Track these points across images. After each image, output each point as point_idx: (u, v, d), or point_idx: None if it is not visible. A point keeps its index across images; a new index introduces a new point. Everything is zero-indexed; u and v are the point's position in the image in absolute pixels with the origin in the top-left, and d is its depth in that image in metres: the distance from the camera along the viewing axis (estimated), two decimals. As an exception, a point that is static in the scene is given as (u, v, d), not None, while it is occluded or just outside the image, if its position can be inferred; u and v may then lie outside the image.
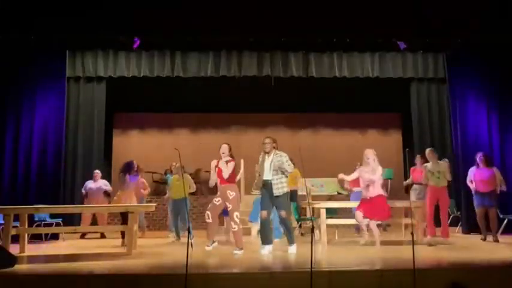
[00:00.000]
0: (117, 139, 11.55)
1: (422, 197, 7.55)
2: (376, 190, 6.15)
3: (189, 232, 4.32)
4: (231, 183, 6.18)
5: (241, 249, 6.02)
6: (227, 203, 6.10)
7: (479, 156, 7.31)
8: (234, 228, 6.06)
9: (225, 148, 6.22)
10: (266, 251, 5.90)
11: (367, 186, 6.17)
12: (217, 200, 6.17)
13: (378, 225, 9.23)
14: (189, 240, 4.26)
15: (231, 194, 6.09)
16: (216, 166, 6.24)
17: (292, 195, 7.21)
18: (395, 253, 5.89)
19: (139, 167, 7.69)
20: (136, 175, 7.48)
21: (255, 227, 8.08)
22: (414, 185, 8.00)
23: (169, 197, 8.01)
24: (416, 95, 9.82)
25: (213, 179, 6.30)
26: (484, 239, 7.13)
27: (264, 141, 6.09)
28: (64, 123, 8.84)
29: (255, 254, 5.92)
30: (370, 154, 6.08)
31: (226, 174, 6.13)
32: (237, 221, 6.06)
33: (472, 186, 7.37)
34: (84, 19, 8.22)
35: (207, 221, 6.14)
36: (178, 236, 7.69)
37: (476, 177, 7.27)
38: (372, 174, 6.07)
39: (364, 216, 6.21)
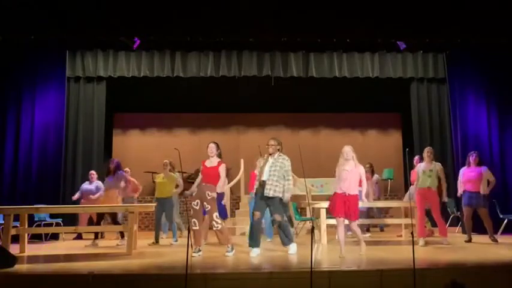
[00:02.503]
0: (117, 139, 11.55)
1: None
2: (355, 188, 5.77)
3: (188, 232, 4.32)
4: (212, 184, 6.00)
5: (232, 248, 5.91)
6: (205, 203, 5.93)
7: (473, 157, 7.25)
8: (218, 227, 5.91)
9: (212, 147, 6.09)
10: (255, 254, 5.80)
11: (346, 180, 5.73)
12: (195, 204, 5.97)
13: (375, 226, 9.30)
14: (189, 241, 4.26)
15: (210, 194, 5.93)
16: (203, 165, 6.10)
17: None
18: (395, 253, 5.89)
19: (120, 165, 7.56)
20: (111, 176, 7.33)
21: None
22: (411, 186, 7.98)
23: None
24: (416, 95, 9.82)
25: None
26: (469, 241, 7.02)
27: (268, 142, 6.03)
28: (64, 123, 8.84)
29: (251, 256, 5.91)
30: (350, 151, 5.88)
31: (222, 178, 6.06)
32: (218, 220, 5.94)
33: (460, 186, 7.34)
34: (84, 19, 8.21)
35: (194, 228, 5.89)
36: (157, 239, 7.40)
37: (464, 176, 7.25)
38: (355, 170, 5.79)
39: (339, 215, 5.74)
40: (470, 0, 8.11)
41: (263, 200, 5.91)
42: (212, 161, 6.08)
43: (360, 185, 5.84)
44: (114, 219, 7.46)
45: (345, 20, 8.44)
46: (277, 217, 5.88)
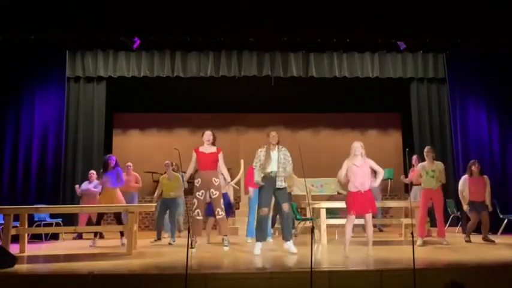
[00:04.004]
0: (117, 139, 11.55)
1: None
2: (368, 183, 5.79)
3: (189, 232, 4.32)
4: (216, 170, 6.13)
5: (228, 242, 5.98)
6: (212, 190, 5.97)
7: (475, 165, 7.21)
8: (221, 214, 5.97)
9: (209, 134, 6.14)
10: (259, 248, 5.86)
11: (358, 176, 5.75)
12: (200, 194, 6.01)
13: (374, 226, 9.26)
14: (189, 241, 4.26)
15: (216, 180, 6.03)
16: (198, 152, 6.11)
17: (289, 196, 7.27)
18: (395, 253, 5.89)
19: (117, 162, 7.56)
20: (110, 171, 7.29)
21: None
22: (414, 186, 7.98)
23: (158, 196, 7.95)
24: (416, 95, 9.82)
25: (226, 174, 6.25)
26: (469, 241, 7.04)
27: (271, 133, 6.07)
28: (64, 123, 8.83)
29: (253, 254, 5.90)
30: (359, 147, 5.87)
31: (224, 166, 6.12)
32: (223, 207, 6.03)
33: (463, 197, 7.27)
34: (84, 19, 8.21)
35: (197, 218, 5.96)
36: (159, 236, 7.49)
37: (471, 187, 7.16)
38: (365, 165, 5.84)
39: (358, 214, 5.78)
40: (470, 0, 8.11)
41: (269, 193, 5.92)
42: (209, 148, 6.13)
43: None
44: (118, 218, 7.42)
45: (345, 20, 8.44)
46: (286, 207, 5.93)
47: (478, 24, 8.38)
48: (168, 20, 8.40)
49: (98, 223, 7.40)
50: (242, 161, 9.74)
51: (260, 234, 5.96)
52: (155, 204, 7.66)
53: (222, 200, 6.04)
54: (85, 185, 8.51)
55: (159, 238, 7.45)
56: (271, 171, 5.93)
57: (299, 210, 8.44)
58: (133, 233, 6.43)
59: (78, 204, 8.52)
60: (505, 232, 7.85)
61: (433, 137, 9.65)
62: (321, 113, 11.89)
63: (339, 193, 10.60)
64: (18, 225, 6.67)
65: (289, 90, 10.44)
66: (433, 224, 7.55)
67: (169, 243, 7.29)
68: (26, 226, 6.77)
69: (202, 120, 11.74)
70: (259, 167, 5.99)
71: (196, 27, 8.54)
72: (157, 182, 11.21)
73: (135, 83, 9.65)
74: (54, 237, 8.35)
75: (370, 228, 5.86)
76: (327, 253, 6.17)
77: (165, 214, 7.72)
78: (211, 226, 7.65)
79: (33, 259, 5.86)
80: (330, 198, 10.31)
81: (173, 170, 7.82)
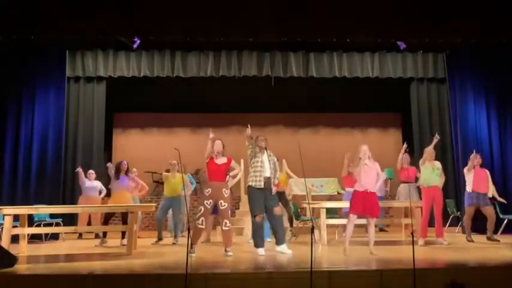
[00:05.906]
0: (117, 139, 11.55)
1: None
2: (374, 185, 5.82)
3: (188, 231, 4.32)
4: (225, 182, 6.18)
5: (230, 248, 5.95)
6: (221, 201, 5.95)
7: (477, 159, 7.24)
8: (228, 227, 5.94)
9: (220, 145, 6.18)
10: (263, 252, 5.87)
11: (367, 176, 5.79)
12: (209, 203, 5.96)
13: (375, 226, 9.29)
14: (189, 241, 4.26)
15: (226, 192, 6.05)
16: (212, 162, 6.10)
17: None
18: (395, 253, 5.89)
19: (128, 167, 7.59)
20: (124, 176, 7.36)
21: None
22: (402, 184, 8.04)
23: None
24: (416, 95, 9.82)
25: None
26: (471, 240, 7.04)
27: (261, 137, 6.17)
28: (64, 123, 8.84)
29: (254, 254, 5.92)
30: (367, 150, 5.95)
31: (239, 168, 6.37)
32: (230, 219, 6.03)
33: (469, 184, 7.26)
34: (85, 19, 8.20)
35: (200, 226, 5.92)
36: (160, 236, 7.46)
37: (476, 177, 7.18)
38: (373, 167, 5.89)
39: (362, 215, 5.83)
40: (470, 0, 8.10)
41: (262, 199, 5.92)
42: (221, 159, 6.15)
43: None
44: (125, 219, 7.40)
45: (345, 20, 8.43)
46: (278, 210, 5.96)
47: (478, 24, 8.37)
48: (168, 20, 8.39)
49: (106, 223, 7.38)
50: (242, 161, 9.73)
51: (259, 240, 5.96)
52: (155, 204, 7.66)
53: (229, 212, 6.05)
54: (89, 183, 8.46)
55: (160, 238, 7.44)
56: (266, 176, 5.96)
57: (299, 210, 8.44)
58: (133, 233, 6.43)
59: (77, 200, 8.52)
60: (505, 232, 7.85)
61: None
62: (321, 113, 11.89)
63: (339, 193, 10.60)
64: (18, 225, 6.67)
65: (289, 90, 10.43)
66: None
67: (173, 243, 7.30)
68: (26, 226, 6.77)
69: (202, 120, 11.75)
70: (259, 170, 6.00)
71: (196, 27, 8.52)
72: (157, 181, 11.27)
73: (135, 83, 9.66)
74: (54, 237, 8.34)
75: (372, 230, 5.89)
76: (327, 253, 6.17)
77: (167, 214, 7.73)
78: (211, 226, 7.65)
79: (33, 259, 5.86)
80: (330, 198, 10.30)
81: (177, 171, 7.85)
